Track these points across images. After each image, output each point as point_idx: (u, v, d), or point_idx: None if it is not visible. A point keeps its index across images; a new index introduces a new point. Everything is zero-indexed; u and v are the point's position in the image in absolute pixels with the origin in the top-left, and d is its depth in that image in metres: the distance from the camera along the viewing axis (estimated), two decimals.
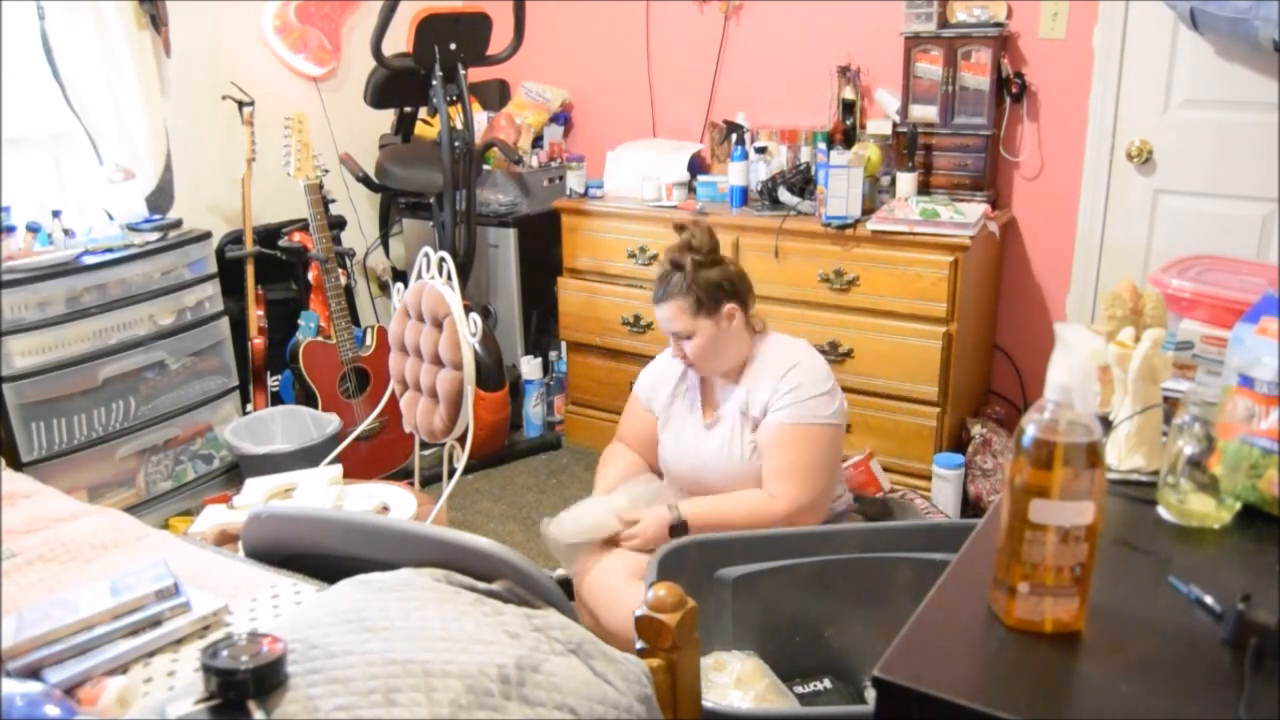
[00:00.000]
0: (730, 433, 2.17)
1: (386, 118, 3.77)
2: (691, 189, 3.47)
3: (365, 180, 3.60)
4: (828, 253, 3.02)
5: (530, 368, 3.68)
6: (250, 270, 3.26)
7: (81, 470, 2.79)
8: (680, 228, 2.20)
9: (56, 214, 2.81)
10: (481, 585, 1.34)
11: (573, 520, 2.14)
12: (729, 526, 2.05)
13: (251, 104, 3.23)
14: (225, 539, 1.96)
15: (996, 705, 0.92)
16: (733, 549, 1.89)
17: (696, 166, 3.57)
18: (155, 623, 1.36)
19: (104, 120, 2.98)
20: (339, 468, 2.38)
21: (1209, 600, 1.06)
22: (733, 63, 3.60)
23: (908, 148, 3.09)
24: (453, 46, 3.17)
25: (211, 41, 3.32)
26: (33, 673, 1.25)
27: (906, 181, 3.09)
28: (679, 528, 2.08)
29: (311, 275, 3.30)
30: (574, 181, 3.59)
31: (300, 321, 3.25)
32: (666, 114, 3.80)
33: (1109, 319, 1.52)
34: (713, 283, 2.11)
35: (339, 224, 3.63)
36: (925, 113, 3.11)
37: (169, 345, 2.97)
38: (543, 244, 3.66)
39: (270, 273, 3.35)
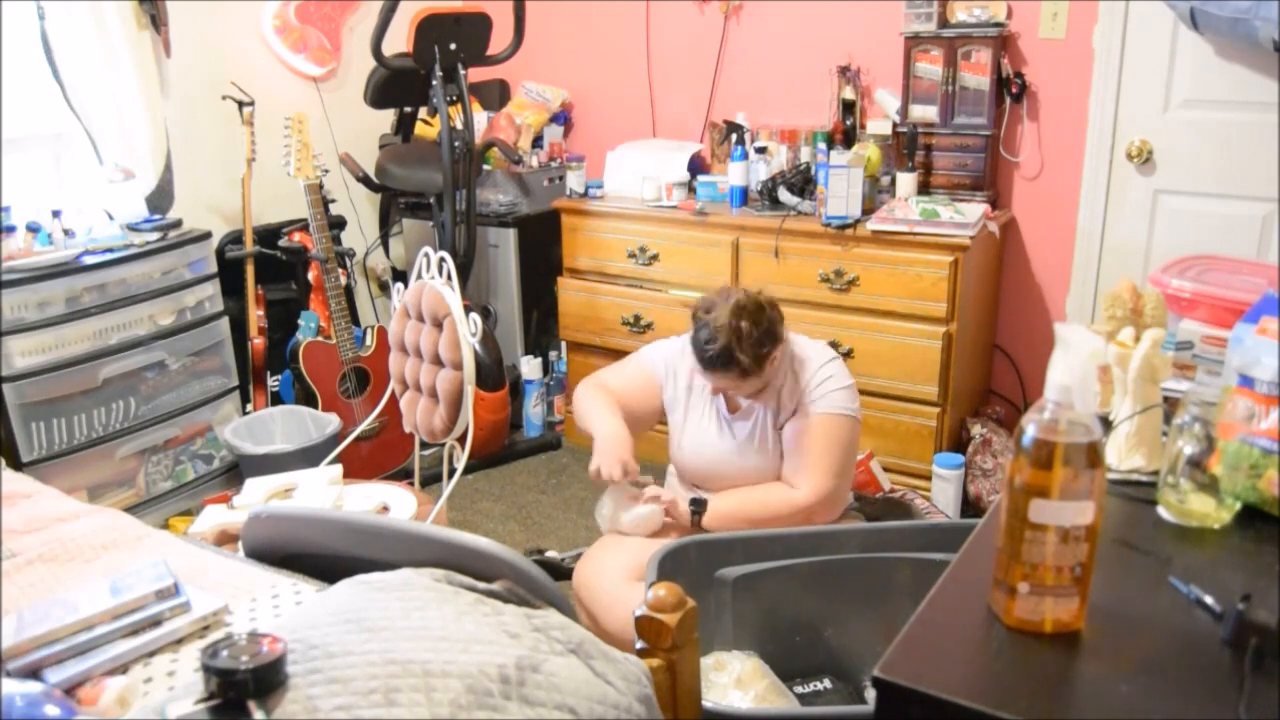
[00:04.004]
0: (756, 428, 2.18)
1: (386, 118, 3.77)
2: (691, 189, 3.46)
3: (365, 180, 3.60)
4: (828, 253, 3.02)
5: (530, 368, 3.68)
6: (250, 270, 3.26)
7: (81, 470, 2.79)
8: (738, 313, 2.04)
9: (56, 214, 2.81)
10: (481, 585, 1.34)
11: (629, 521, 2.16)
12: (747, 515, 2.09)
13: (251, 104, 3.23)
14: (225, 539, 1.96)
15: (996, 705, 0.92)
16: (733, 549, 1.90)
17: (696, 166, 3.57)
18: (155, 623, 1.36)
19: (104, 120, 2.98)
20: (339, 468, 2.38)
21: (1209, 600, 1.06)
22: (733, 63, 3.60)
23: (908, 148, 3.09)
24: (453, 46, 3.16)
25: (211, 41, 3.32)
26: (33, 673, 1.25)
27: (906, 181, 3.09)
28: (699, 503, 2.11)
29: (311, 275, 3.30)
30: (574, 181, 3.59)
31: (300, 321, 3.25)
32: (666, 114, 3.80)
33: (1109, 319, 1.52)
34: (758, 357, 2.05)
35: (339, 224, 3.63)
36: (925, 113, 3.11)
37: (169, 345, 2.97)
38: (543, 244, 3.66)
39: (270, 273, 3.35)
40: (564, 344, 3.69)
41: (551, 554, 2.82)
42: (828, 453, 2.12)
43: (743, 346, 2.03)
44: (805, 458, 2.12)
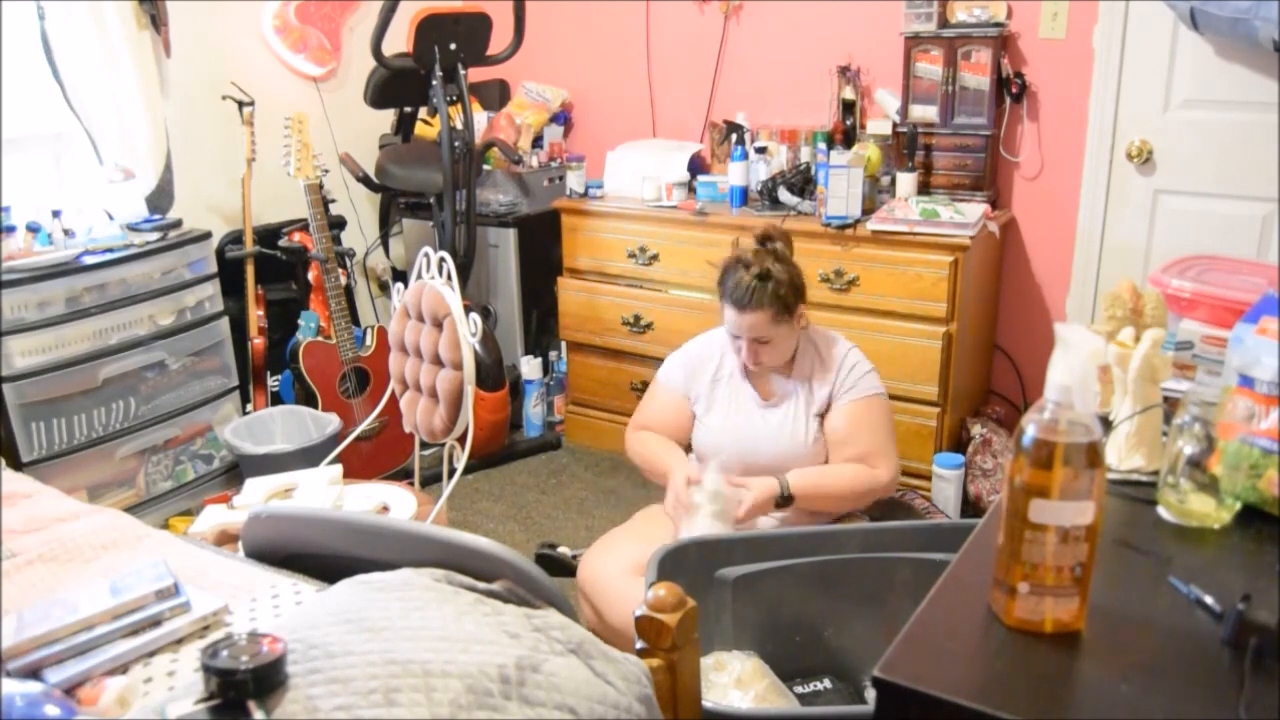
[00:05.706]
0: (789, 415, 2.22)
1: (386, 118, 3.77)
2: (691, 189, 3.46)
3: (365, 180, 3.60)
4: (828, 253, 3.02)
5: (530, 368, 3.68)
6: (250, 270, 3.26)
7: (81, 470, 2.79)
8: (766, 237, 2.21)
9: (56, 214, 2.81)
10: (481, 585, 1.34)
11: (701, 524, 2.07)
12: (833, 496, 2.17)
13: (251, 104, 3.23)
14: (225, 539, 1.96)
15: (996, 705, 0.92)
16: (733, 549, 1.89)
17: (696, 166, 3.57)
18: (155, 623, 1.36)
19: (104, 120, 2.98)
20: (339, 468, 2.38)
21: (1209, 600, 1.06)
22: (733, 63, 3.60)
23: (908, 148, 3.09)
24: (453, 46, 3.16)
25: (211, 41, 3.32)
26: (33, 673, 1.25)
27: (906, 181, 3.09)
28: (785, 500, 2.14)
29: (311, 275, 3.30)
30: (574, 181, 3.59)
31: (300, 321, 3.25)
32: (666, 114, 3.80)
33: (1109, 319, 1.52)
34: (793, 288, 2.14)
35: (339, 224, 3.63)
36: (925, 113, 3.11)
37: (169, 345, 2.97)
38: (543, 244, 3.66)
39: (270, 273, 3.35)
40: (564, 344, 3.69)
41: (563, 549, 2.82)
42: (886, 432, 2.24)
43: (775, 272, 2.11)
44: (875, 442, 2.19)
